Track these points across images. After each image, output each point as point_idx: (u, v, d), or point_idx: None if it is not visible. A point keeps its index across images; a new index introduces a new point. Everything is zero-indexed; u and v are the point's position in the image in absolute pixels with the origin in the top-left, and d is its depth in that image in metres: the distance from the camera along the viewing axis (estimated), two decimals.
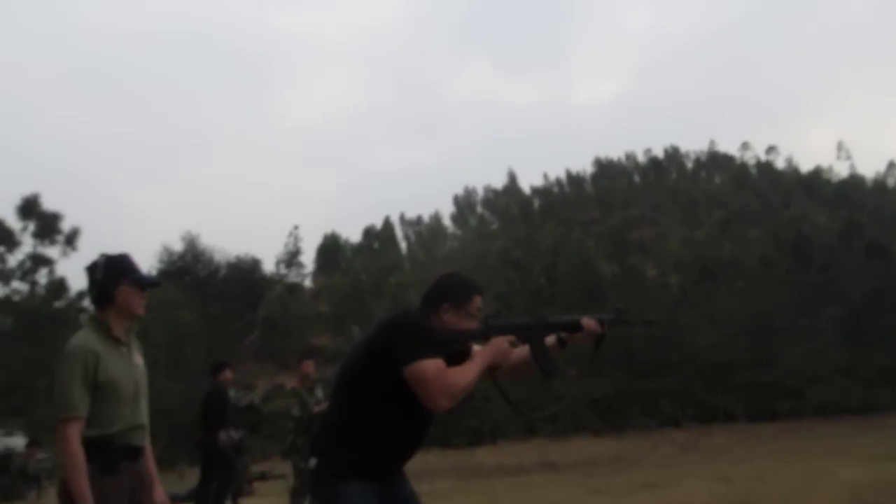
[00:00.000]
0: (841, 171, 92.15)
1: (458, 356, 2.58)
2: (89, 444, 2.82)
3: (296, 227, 68.05)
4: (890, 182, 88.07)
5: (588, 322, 2.71)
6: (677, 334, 30.76)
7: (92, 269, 3.05)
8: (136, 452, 3.01)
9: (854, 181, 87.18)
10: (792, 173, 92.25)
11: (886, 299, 31.04)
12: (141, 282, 3.08)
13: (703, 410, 29.96)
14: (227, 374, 8.93)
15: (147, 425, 3.09)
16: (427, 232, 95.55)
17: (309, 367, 8.64)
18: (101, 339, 2.96)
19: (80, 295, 29.66)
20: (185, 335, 38.47)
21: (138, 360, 3.12)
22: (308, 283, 70.48)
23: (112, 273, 3.02)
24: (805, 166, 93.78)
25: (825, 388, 29.11)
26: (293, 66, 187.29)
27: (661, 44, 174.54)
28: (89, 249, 33.40)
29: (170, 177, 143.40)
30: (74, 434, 2.79)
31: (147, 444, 3.11)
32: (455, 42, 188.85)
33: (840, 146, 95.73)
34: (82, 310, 28.49)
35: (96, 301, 3.05)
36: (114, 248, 3.10)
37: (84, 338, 2.93)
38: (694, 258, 47.23)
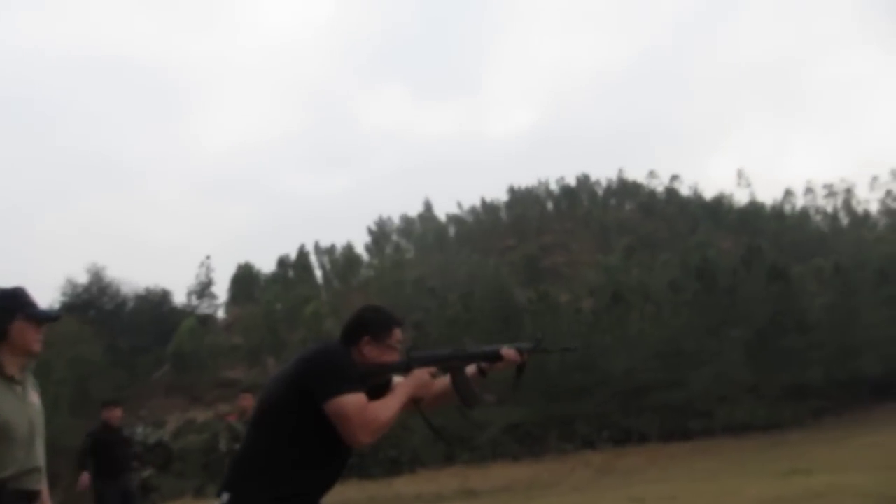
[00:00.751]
0: (741, 198, 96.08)
1: (379, 389, 2.55)
2: None
3: (208, 258, 66.82)
4: (787, 209, 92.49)
5: (507, 352, 2.71)
6: (591, 358, 31.30)
7: None
8: (30, 497, 2.85)
9: (754, 208, 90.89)
10: (697, 200, 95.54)
11: (786, 321, 32.52)
12: (37, 316, 2.92)
13: (617, 432, 30.51)
14: (113, 413, 8.59)
15: (44, 468, 2.92)
16: (343, 260, 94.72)
17: (248, 400, 8.45)
18: None
19: None
20: (90, 371, 37.05)
21: (34, 398, 2.95)
22: (221, 314, 68.99)
23: (5, 308, 2.85)
24: (708, 193, 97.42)
25: (732, 408, 30.12)
26: (204, 92, 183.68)
27: (570, 76, 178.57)
28: None
29: (74, 205, 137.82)
30: None
31: (44, 487, 2.94)
32: (370, 69, 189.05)
33: (740, 174, 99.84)
34: None
35: None
36: (11, 282, 2.96)
37: None
38: (605, 283, 48.27)
